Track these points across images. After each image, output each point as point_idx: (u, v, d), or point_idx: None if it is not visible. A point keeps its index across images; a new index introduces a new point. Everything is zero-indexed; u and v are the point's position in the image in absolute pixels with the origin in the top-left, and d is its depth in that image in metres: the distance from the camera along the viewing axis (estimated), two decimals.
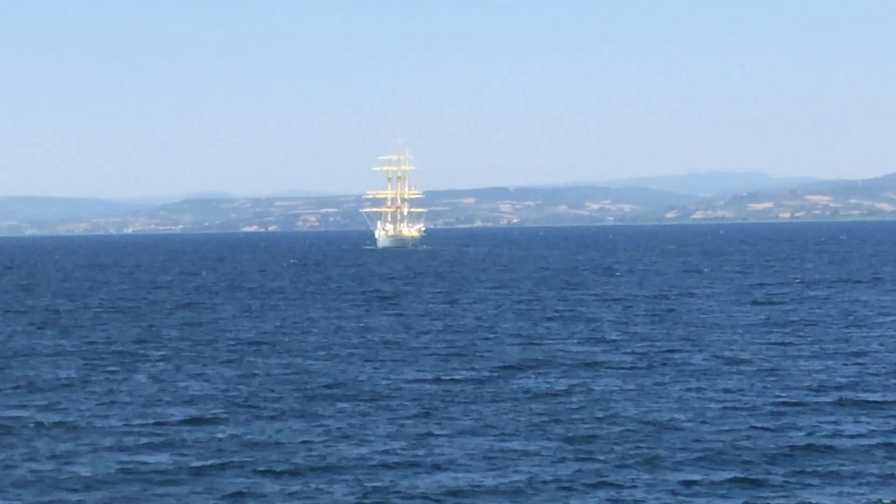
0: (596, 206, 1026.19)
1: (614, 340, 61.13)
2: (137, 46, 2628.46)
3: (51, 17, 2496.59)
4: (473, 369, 50.66)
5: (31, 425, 38.97)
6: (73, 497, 30.24)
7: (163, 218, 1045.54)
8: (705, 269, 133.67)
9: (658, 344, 59.15)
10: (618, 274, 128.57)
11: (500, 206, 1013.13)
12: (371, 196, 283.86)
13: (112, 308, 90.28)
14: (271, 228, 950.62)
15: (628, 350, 56.96)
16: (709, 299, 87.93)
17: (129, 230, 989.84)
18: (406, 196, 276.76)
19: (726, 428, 37.18)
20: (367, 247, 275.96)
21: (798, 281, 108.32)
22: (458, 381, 47.43)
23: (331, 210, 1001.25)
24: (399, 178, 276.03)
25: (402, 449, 34.59)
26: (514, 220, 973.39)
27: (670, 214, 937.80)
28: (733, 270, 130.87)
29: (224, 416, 40.26)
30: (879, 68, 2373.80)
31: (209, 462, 33.42)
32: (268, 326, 72.40)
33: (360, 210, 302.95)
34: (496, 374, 49.13)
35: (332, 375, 49.40)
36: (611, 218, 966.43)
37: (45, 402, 43.41)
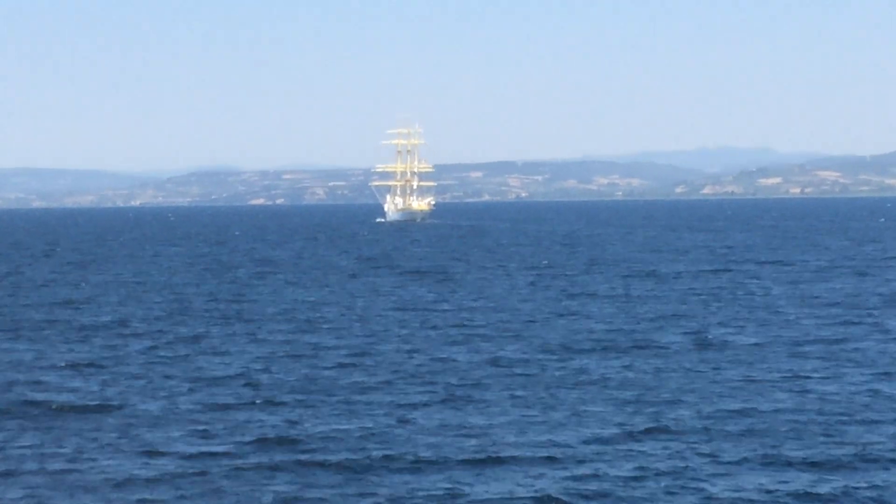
0: (604, 181, 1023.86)
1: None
2: (145, 19, 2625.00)
3: None
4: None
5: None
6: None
7: (170, 190, 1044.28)
8: None
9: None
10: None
11: (508, 180, 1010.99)
12: (380, 170, 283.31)
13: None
14: (279, 201, 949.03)
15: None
16: None
17: (137, 203, 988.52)
18: (416, 170, 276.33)
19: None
20: (377, 220, 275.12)
21: None
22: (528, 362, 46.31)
23: (338, 183, 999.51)
24: (409, 151, 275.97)
25: (496, 442, 33.44)
26: (523, 195, 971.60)
27: (679, 189, 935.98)
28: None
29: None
30: (889, 43, 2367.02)
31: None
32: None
33: (370, 184, 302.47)
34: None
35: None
36: (619, 193, 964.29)
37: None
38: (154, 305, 71.12)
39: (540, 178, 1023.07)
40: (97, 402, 38.95)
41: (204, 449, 32.56)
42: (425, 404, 38.20)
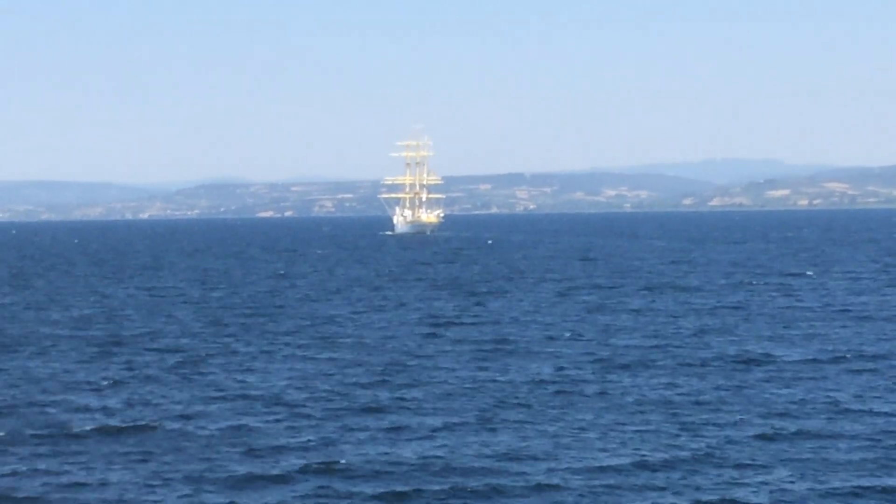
0: (612, 193, 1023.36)
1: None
2: (154, 31, 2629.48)
3: (66, 3, 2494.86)
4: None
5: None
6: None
7: (179, 203, 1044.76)
8: None
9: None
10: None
11: (517, 192, 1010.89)
12: (389, 182, 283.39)
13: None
14: (287, 214, 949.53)
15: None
16: None
17: (145, 215, 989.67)
18: (425, 182, 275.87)
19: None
20: (386, 232, 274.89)
21: None
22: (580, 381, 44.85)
23: (347, 196, 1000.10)
24: (418, 163, 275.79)
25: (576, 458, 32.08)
26: (531, 207, 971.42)
27: (687, 201, 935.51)
28: None
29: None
30: None
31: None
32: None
33: (379, 195, 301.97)
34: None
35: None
36: (627, 205, 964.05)
37: None
38: (174, 320, 69.54)
39: (548, 189, 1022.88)
40: (124, 424, 37.30)
41: (243, 471, 31.18)
42: (462, 425, 36.75)
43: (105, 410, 39.49)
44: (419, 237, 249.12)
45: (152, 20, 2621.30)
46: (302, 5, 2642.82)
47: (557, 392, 42.38)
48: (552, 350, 53.60)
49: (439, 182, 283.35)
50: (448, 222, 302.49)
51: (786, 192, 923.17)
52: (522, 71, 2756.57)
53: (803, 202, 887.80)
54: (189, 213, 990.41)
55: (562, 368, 47.87)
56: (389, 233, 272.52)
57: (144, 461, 32.34)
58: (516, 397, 41.45)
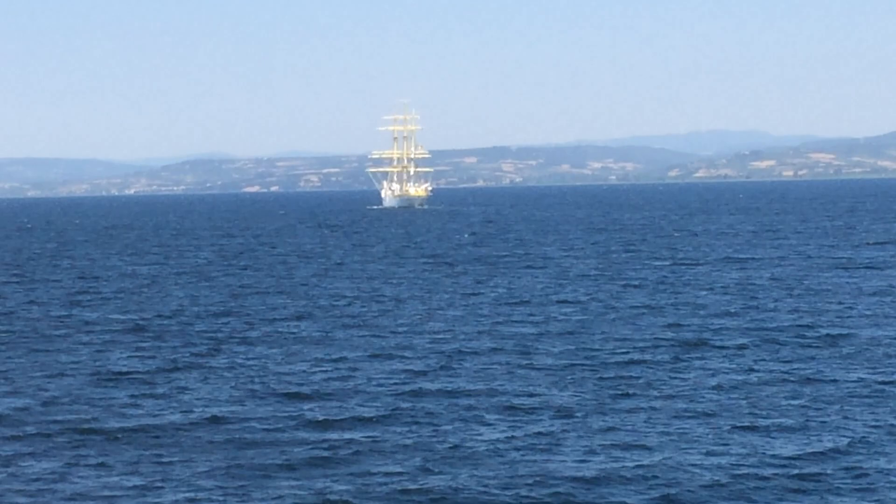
0: (598, 165, 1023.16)
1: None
2: (138, 6, 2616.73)
3: None
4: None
5: None
6: None
7: (164, 179, 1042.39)
8: None
9: None
10: None
11: (502, 165, 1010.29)
12: (377, 156, 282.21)
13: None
14: (273, 189, 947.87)
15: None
16: None
17: (131, 191, 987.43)
18: (412, 156, 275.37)
19: None
20: (373, 207, 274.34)
21: None
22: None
23: (333, 170, 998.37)
24: (405, 137, 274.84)
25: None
26: (517, 180, 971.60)
27: (672, 173, 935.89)
28: None
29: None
30: (882, 25, 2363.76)
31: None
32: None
33: (366, 170, 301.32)
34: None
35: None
36: (613, 177, 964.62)
37: None
38: (184, 302, 66.51)
39: (534, 162, 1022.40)
40: (151, 422, 35.41)
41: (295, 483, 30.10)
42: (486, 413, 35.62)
43: (136, 405, 38.04)
44: (408, 211, 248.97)
45: None
46: None
47: (588, 379, 40.84)
48: (576, 330, 51.10)
49: (427, 156, 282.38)
50: (436, 196, 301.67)
51: (771, 163, 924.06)
52: (507, 44, 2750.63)
53: (788, 173, 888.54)
54: (175, 188, 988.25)
55: (589, 349, 45.71)
56: (377, 207, 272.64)
57: (181, 460, 31.23)
58: (546, 383, 39.88)
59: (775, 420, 34.21)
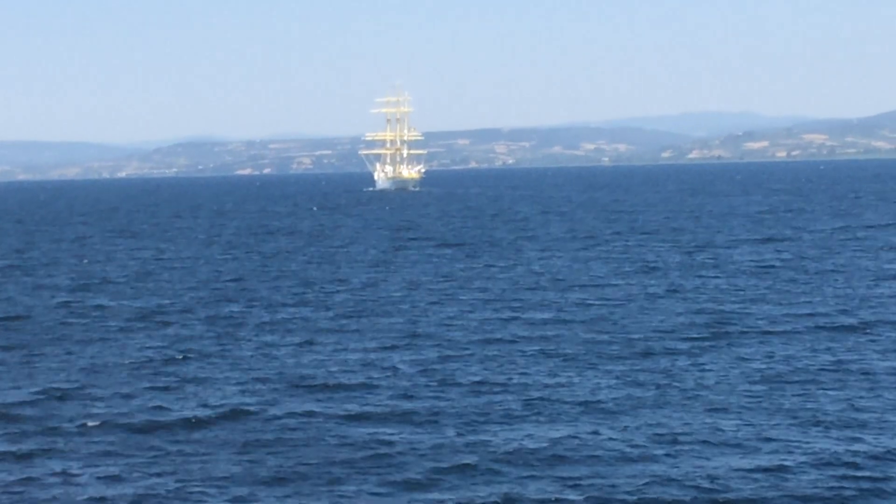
0: (591, 147, 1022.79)
1: None
2: None
3: None
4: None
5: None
6: None
7: (157, 161, 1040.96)
8: None
9: None
10: None
11: (495, 147, 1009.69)
12: (370, 138, 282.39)
13: None
14: (266, 171, 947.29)
15: None
16: None
17: (123, 174, 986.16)
18: (405, 138, 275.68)
19: None
20: (367, 189, 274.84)
21: None
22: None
23: (325, 152, 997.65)
24: (398, 119, 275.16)
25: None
26: (510, 161, 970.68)
27: (666, 154, 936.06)
28: None
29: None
30: (874, 6, 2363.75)
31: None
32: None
33: (359, 152, 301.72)
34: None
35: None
36: (606, 158, 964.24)
37: None
38: (190, 289, 65.26)
39: (527, 144, 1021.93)
40: (175, 417, 34.23)
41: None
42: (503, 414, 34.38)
43: (160, 400, 36.80)
44: (402, 193, 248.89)
45: None
46: None
47: (616, 374, 39.81)
48: (598, 318, 50.13)
49: (420, 138, 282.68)
50: (429, 178, 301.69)
51: (764, 143, 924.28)
52: (499, 26, 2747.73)
53: (781, 153, 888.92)
54: (167, 171, 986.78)
55: (612, 341, 44.79)
56: (371, 189, 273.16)
57: (211, 455, 30.34)
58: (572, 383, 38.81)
59: (818, 414, 33.05)
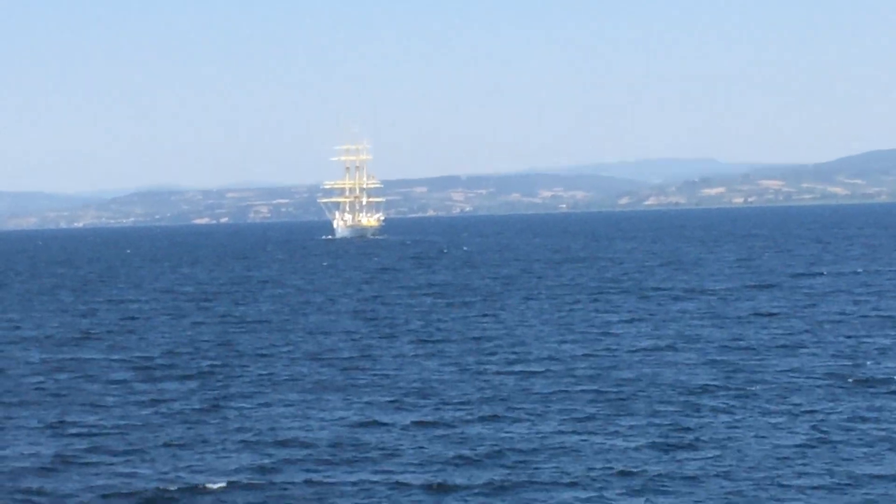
0: (548, 194, 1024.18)
1: None
2: (84, 39, 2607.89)
3: None
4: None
5: None
6: None
7: (114, 211, 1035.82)
8: None
9: None
10: None
11: (453, 194, 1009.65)
12: (329, 186, 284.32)
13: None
14: (223, 220, 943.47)
15: None
16: None
17: (80, 224, 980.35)
18: (365, 185, 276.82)
19: None
20: (326, 237, 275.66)
21: None
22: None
23: (282, 201, 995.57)
24: (357, 167, 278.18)
25: None
26: (467, 209, 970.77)
27: (623, 201, 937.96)
28: None
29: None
30: (828, 53, 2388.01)
31: None
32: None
33: (319, 200, 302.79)
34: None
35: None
36: (563, 205, 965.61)
37: None
38: (172, 339, 63.53)
39: (484, 191, 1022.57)
40: (184, 484, 32.73)
41: None
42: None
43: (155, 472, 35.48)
44: (361, 241, 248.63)
45: (82, 29, 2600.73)
46: (233, 10, 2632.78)
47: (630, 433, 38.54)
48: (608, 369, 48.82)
49: (379, 185, 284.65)
50: (388, 226, 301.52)
51: (721, 189, 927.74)
52: (455, 73, 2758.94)
53: (738, 200, 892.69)
54: (124, 220, 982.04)
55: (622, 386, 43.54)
56: (330, 237, 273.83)
57: None
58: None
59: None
